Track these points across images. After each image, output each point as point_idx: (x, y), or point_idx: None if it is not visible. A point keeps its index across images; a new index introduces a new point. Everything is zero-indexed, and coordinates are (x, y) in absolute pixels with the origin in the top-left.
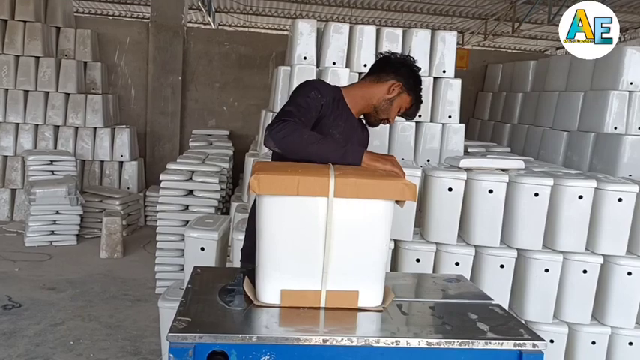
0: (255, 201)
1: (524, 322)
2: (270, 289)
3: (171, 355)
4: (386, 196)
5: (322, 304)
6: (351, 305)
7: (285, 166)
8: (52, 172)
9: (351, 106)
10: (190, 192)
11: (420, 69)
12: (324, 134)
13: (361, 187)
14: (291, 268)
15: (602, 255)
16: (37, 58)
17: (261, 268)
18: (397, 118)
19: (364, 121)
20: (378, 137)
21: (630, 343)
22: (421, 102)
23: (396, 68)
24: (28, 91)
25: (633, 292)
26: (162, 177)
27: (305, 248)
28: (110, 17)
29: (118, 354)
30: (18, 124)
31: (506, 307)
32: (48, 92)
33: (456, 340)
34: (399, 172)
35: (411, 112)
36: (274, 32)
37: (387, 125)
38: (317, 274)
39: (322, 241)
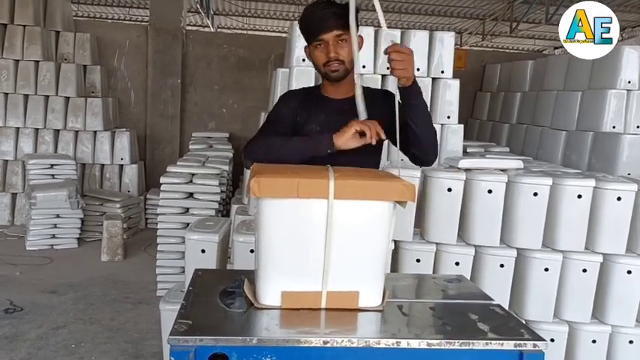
0: None
1: (524, 321)
2: (270, 290)
3: (172, 358)
4: (385, 197)
5: (323, 305)
6: (351, 306)
7: (284, 169)
8: (53, 175)
9: (329, 93)
10: (191, 194)
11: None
12: (305, 132)
13: (361, 189)
14: (291, 270)
15: (602, 254)
16: (37, 62)
17: (261, 270)
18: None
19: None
20: None
21: (631, 342)
22: (311, 18)
23: None
24: (27, 95)
25: (633, 290)
26: (162, 180)
27: (305, 250)
28: (109, 21)
29: (119, 357)
30: (18, 128)
31: (507, 307)
32: (48, 96)
33: (456, 341)
34: (364, 126)
35: (312, 32)
36: (273, 35)
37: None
38: (317, 275)
39: (322, 242)
